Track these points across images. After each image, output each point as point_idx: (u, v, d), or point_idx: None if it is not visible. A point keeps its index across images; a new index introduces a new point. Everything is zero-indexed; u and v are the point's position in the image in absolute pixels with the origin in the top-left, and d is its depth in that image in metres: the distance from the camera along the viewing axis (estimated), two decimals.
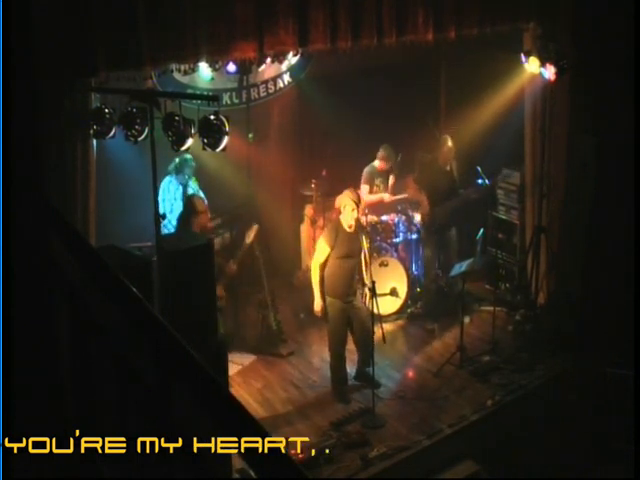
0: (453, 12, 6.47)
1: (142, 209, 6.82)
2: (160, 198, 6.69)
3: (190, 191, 7.26)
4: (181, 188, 7.20)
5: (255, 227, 7.03)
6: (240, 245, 7.06)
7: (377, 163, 8.22)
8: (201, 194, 7.38)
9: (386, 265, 7.79)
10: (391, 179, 8.26)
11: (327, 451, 5.76)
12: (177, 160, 7.05)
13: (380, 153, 8.15)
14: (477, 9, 6.64)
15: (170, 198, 7.11)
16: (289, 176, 8.68)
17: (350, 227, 6.42)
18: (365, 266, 6.67)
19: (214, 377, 1.87)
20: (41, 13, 4.43)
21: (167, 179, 7.10)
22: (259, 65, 7.04)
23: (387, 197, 8.24)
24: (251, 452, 1.69)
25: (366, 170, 8.25)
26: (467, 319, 7.48)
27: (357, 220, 6.44)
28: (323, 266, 6.50)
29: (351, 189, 6.57)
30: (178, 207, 7.16)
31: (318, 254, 6.53)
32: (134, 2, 5.01)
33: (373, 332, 6.33)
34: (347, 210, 6.38)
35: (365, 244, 6.63)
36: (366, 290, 6.58)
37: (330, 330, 6.62)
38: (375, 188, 8.28)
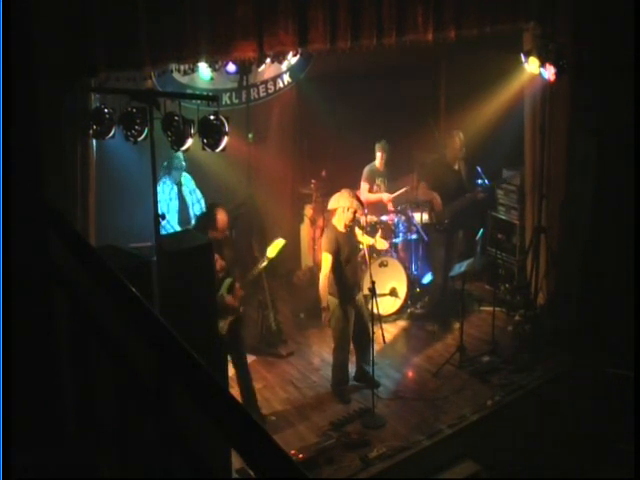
0: (453, 12, 6.47)
1: (142, 209, 6.83)
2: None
3: (185, 189, 7.26)
4: (176, 187, 7.20)
5: (281, 242, 6.41)
6: (256, 261, 6.75)
7: (377, 162, 8.24)
8: (197, 192, 7.38)
9: (386, 265, 7.80)
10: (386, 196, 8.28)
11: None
12: (167, 161, 7.05)
13: (378, 148, 8.15)
14: (477, 9, 6.64)
15: (165, 199, 7.11)
16: (289, 176, 8.70)
17: (346, 227, 6.40)
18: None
19: (214, 377, 1.87)
20: (41, 13, 4.42)
21: (161, 181, 7.10)
22: (259, 65, 7.05)
23: (386, 197, 8.25)
24: (251, 452, 1.69)
25: (366, 169, 8.27)
26: (456, 324, 7.50)
27: (356, 221, 6.44)
28: (330, 275, 6.41)
29: (348, 190, 6.51)
30: (174, 207, 7.15)
31: (325, 267, 6.39)
32: (134, 2, 5.01)
33: (373, 330, 6.34)
34: (348, 211, 6.34)
35: (364, 240, 6.68)
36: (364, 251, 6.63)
37: (337, 331, 6.56)
38: (375, 187, 8.30)
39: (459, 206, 7.69)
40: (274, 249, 6.34)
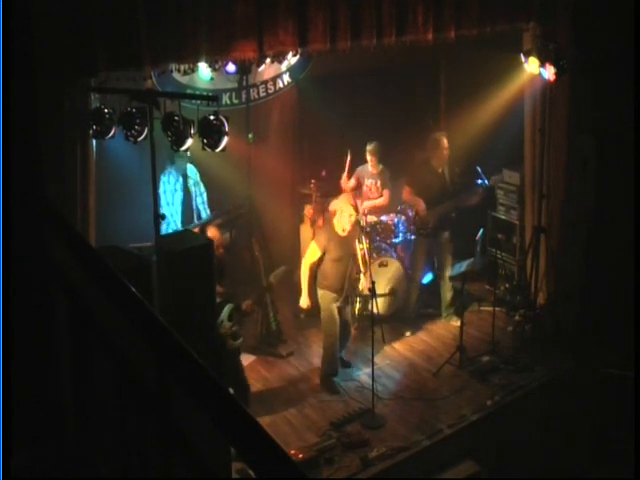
0: (453, 12, 6.46)
1: (142, 209, 6.83)
2: (160, 190, 6.68)
3: (190, 181, 7.25)
4: (181, 179, 7.18)
5: (283, 269, 7.25)
6: (256, 261, 7.19)
7: (370, 166, 8.17)
8: (201, 185, 7.37)
9: (385, 265, 7.79)
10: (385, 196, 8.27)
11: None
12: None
13: (368, 151, 8.10)
14: (477, 9, 6.63)
15: (170, 189, 7.09)
16: (289, 176, 8.69)
17: (344, 231, 6.46)
18: (364, 267, 6.74)
19: (214, 378, 1.87)
20: (41, 13, 4.42)
21: (167, 171, 7.09)
22: (259, 65, 7.03)
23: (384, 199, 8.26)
24: (251, 452, 1.69)
25: (358, 169, 8.23)
26: (457, 322, 7.52)
27: (353, 225, 6.47)
28: (313, 266, 6.65)
29: (349, 194, 6.63)
30: (178, 198, 7.14)
31: (309, 256, 6.68)
32: (134, 2, 5.01)
33: (373, 330, 6.35)
34: (344, 215, 6.41)
35: (364, 244, 6.71)
36: (363, 287, 6.85)
37: (324, 321, 6.73)
38: (365, 189, 8.27)
39: (443, 210, 7.67)
40: (277, 275, 7.12)
